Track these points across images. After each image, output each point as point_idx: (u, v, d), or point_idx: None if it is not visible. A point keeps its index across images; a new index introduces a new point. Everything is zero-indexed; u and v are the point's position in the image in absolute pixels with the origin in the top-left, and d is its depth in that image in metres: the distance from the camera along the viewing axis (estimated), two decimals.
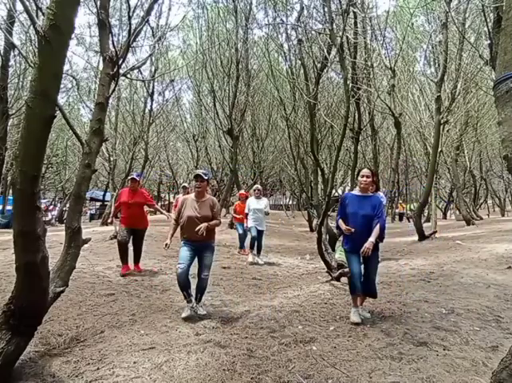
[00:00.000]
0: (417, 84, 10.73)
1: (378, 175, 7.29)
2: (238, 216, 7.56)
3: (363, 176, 3.24)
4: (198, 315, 3.33)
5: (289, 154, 11.72)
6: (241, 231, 7.44)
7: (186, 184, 8.21)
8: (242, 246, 7.53)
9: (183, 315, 3.28)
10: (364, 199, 3.24)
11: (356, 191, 3.37)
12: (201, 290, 3.45)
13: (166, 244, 3.42)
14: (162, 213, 6.20)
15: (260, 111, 14.53)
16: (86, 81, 13.57)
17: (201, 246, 3.42)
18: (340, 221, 3.31)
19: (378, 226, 3.13)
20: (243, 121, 11.36)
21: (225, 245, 8.37)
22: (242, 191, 8.36)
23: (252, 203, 6.63)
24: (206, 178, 3.48)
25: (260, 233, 6.60)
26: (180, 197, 7.22)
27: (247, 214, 6.69)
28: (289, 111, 9.34)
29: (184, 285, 3.33)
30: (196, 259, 3.47)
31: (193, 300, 3.39)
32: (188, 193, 7.51)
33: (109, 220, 5.92)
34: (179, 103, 16.26)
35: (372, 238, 3.06)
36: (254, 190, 6.86)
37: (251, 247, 6.54)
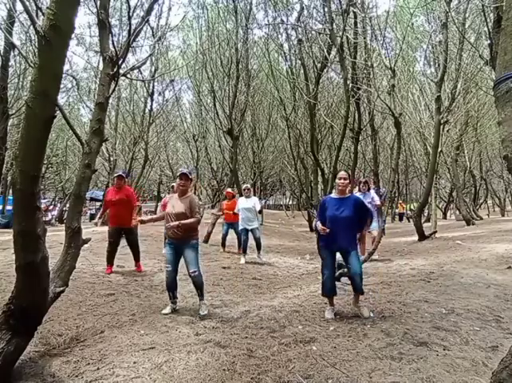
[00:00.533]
0: (417, 84, 10.73)
1: (378, 175, 7.28)
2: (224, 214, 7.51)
3: (340, 179, 3.39)
4: (199, 315, 3.37)
5: (289, 154, 11.73)
6: (224, 232, 7.44)
7: (174, 184, 8.13)
8: (223, 244, 7.54)
9: (163, 311, 3.46)
10: (343, 201, 3.37)
11: (334, 195, 3.51)
12: (197, 286, 3.51)
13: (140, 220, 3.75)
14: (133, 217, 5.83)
15: (260, 111, 14.54)
16: (86, 81, 13.58)
17: (181, 243, 3.48)
18: (318, 222, 3.44)
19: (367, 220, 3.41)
20: (243, 121, 11.36)
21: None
22: (229, 190, 8.13)
23: (241, 202, 6.63)
24: (190, 177, 3.60)
25: (253, 231, 6.54)
26: (168, 196, 7.28)
27: (236, 214, 6.66)
28: (289, 111, 9.35)
29: (170, 286, 3.53)
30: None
31: (177, 301, 3.60)
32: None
33: (96, 220, 5.89)
34: (179, 103, 16.27)
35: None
36: (244, 189, 6.86)
37: (243, 250, 6.52)
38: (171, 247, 3.52)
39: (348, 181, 3.42)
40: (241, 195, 7.46)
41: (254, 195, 7.23)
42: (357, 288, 3.36)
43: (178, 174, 3.61)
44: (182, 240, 3.46)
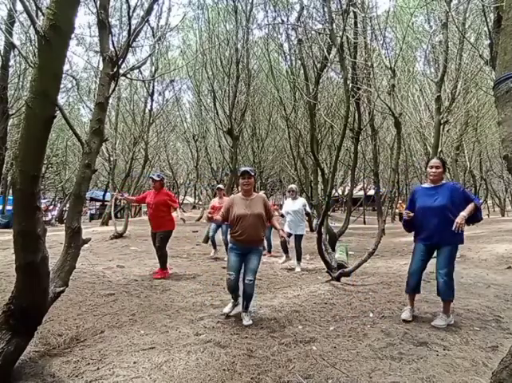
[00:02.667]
0: (417, 84, 10.73)
1: (378, 175, 7.27)
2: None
3: (432, 167, 3.12)
4: (243, 324, 3.15)
5: (289, 154, 11.73)
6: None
7: (221, 186, 7.69)
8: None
9: (224, 310, 3.42)
10: (437, 189, 3.09)
11: (426, 184, 3.24)
12: (246, 296, 3.27)
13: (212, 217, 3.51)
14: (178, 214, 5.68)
15: (260, 111, 14.54)
16: (86, 81, 13.59)
17: (249, 249, 3.30)
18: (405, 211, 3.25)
19: (472, 203, 2.94)
20: (243, 121, 11.36)
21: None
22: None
23: (287, 204, 6.22)
24: (253, 174, 3.35)
25: (298, 237, 6.01)
26: (216, 200, 7.09)
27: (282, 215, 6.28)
28: (289, 111, 9.35)
29: (233, 289, 3.35)
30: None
31: (239, 301, 3.42)
32: (224, 194, 7.21)
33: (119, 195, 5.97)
34: (179, 103, 16.27)
35: (464, 213, 2.87)
36: (289, 190, 6.38)
37: (299, 258, 5.99)
38: (236, 254, 3.27)
39: (441, 170, 3.10)
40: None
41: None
42: (440, 292, 3.02)
43: (239, 173, 3.36)
44: (250, 246, 3.28)
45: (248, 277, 3.25)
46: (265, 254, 7.05)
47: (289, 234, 5.89)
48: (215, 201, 7.11)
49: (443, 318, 3.02)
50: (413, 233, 3.34)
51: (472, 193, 3.39)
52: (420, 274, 3.18)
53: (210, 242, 7.34)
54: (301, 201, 6.16)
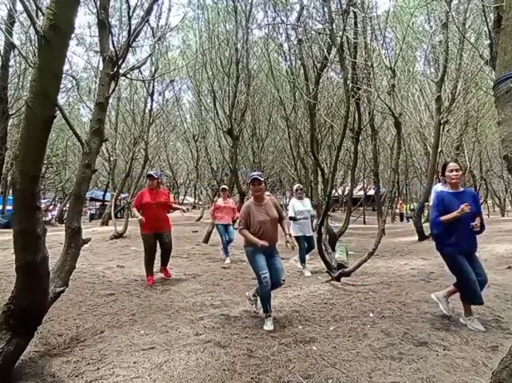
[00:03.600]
0: (417, 84, 10.73)
1: (378, 175, 7.27)
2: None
3: (452, 170, 3.00)
4: (265, 329, 3.08)
5: (289, 154, 11.72)
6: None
7: (225, 186, 7.44)
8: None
9: (266, 328, 3.06)
10: (459, 196, 2.97)
11: (446, 188, 3.11)
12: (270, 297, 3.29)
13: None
14: (176, 208, 5.48)
15: (260, 111, 14.52)
16: (86, 81, 13.58)
17: (270, 250, 3.34)
18: (441, 217, 2.97)
19: (479, 218, 2.92)
20: (243, 121, 11.35)
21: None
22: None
23: (296, 205, 5.80)
24: (262, 179, 3.34)
25: (310, 239, 5.78)
26: (220, 201, 6.96)
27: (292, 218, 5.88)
28: (289, 111, 9.34)
29: (269, 297, 3.22)
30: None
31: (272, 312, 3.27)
32: (228, 196, 7.06)
33: (140, 217, 4.84)
34: (179, 103, 16.25)
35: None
36: (296, 190, 5.97)
37: (302, 260, 5.75)
38: (261, 255, 3.26)
39: (461, 172, 3.00)
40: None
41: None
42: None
43: (249, 180, 3.37)
44: (272, 248, 3.34)
45: (282, 277, 3.35)
46: None
47: (304, 238, 5.67)
48: (219, 202, 6.95)
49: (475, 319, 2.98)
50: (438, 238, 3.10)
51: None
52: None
53: (222, 248, 6.87)
54: (308, 200, 5.98)
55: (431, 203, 3.85)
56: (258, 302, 3.43)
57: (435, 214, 3.03)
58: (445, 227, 2.97)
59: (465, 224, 2.88)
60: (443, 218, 2.96)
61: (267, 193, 3.57)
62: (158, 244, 4.91)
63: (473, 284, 2.85)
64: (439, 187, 4.45)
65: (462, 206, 2.84)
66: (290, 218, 5.70)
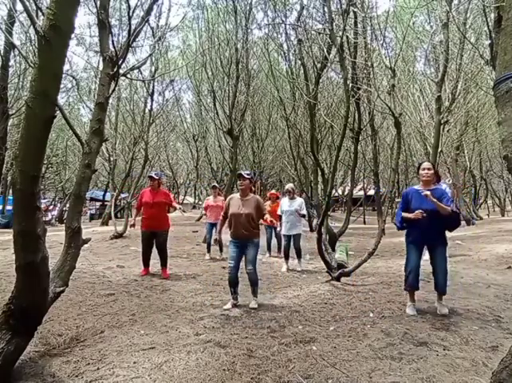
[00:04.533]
0: (417, 84, 10.72)
1: (378, 175, 7.27)
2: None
3: (424, 169, 3.31)
4: (249, 308, 3.60)
5: (289, 154, 11.72)
6: (268, 235, 7.20)
7: (216, 184, 7.71)
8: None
9: (225, 307, 3.60)
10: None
11: (418, 186, 3.42)
12: (252, 283, 3.75)
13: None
14: (176, 207, 5.66)
15: (260, 111, 14.54)
16: (86, 81, 13.58)
17: (246, 242, 3.66)
18: (403, 214, 3.36)
19: (446, 206, 3.17)
20: (243, 121, 11.35)
21: (225, 245, 8.37)
22: (273, 191, 7.73)
23: (284, 204, 6.06)
24: (248, 177, 3.73)
25: (295, 237, 6.01)
26: (210, 198, 7.15)
27: (280, 216, 6.11)
28: (289, 111, 9.35)
29: (232, 282, 3.68)
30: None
31: (238, 297, 3.74)
32: (218, 193, 7.26)
33: (132, 222, 5.31)
34: (179, 103, 16.26)
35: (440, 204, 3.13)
36: (289, 190, 6.20)
37: (286, 257, 6.02)
38: (235, 245, 3.68)
39: (432, 171, 3.30)
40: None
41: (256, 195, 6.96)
42: (439, 287, 3.30)
43: (236, 175, 3.84)
44: (246, 240, 3.65)
45: (248, 267, 3.68)
46: (263, 254, 7.03)
47: (287, 237, 6.00)
48: (210, 200, 7.13)
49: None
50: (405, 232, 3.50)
51: (456, 201, 3.52)
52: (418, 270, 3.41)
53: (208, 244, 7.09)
54: (298, 201, 6.08)
55: None
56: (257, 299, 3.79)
57: (399, 209, 3.55)
58: (405, 222, 3.40)
59: (422, 223, 3.19)
60: (403, 214, 3.38)
61: (255, 195, 3.86)
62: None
63: (408, 271, 3.36)
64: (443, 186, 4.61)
65: (416, 212, 3.21)
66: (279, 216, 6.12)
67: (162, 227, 5.14)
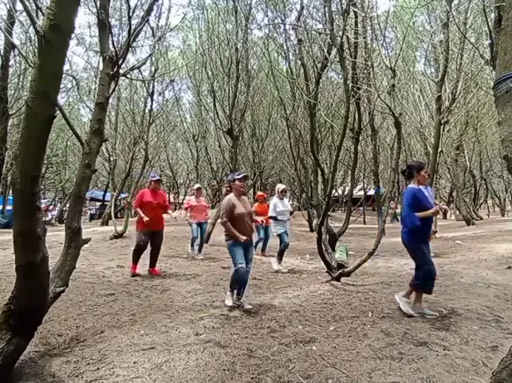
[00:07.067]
0: (417, 84, 10.72)
1: (378, 175, 7.26)
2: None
3: (426, 172, 3.51)
4: (243, 309, 3.61)
5: (289, 154, 11.71)
6: (263, 235, 7.36)
7: (199, 185, 7.70)
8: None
9: (226, 302, 3.71)
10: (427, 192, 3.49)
11: (416, 185, 3.49)
12: (244, 283, 3.78)
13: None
14: (169, 214, 5.75)
15: (260, 111, 14.52)
16: (86, 81, 13.57)
17: (249, 242, 3.74)
18: (420, 213, 3.32)
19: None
20: (243, 121, 11.34)
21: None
22: (260, 193, 7.91)
23: (279, 204, 6.18)
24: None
25: (285, 234, 6.17)
26: (192, 199, 7.15)
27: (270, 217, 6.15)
28: (289, 111, 9.33)
29: (245, 282, 3.74)
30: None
31: (241, 298, 3.75)
32: (201, 195, 7.28)
33: (146, 219, 5.11)
34: (179, 103, 16.26)
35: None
36: (282, 191, 6.37)
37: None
38: (241, 247, 3.65)
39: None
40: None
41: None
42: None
43: (240, 177, 3.80)
44: (250, 239, 3.74)
45: (248, 266, 3.74)
46: (258, 254, 7.09)
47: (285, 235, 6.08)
48: (192, 200, 7.15)
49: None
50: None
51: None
52: None
53: (191, 245, 7.14)
54: (287, 200, 6.41)
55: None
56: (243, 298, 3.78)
57: (409, 209, 3.48)
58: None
59: (429, 221, 3.40)
60: (422, 213, 3.33)
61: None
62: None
63: (431, 272, 3.32)
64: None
65: (435, 207, 3.35)
66: (271, 217, 6.13)
67: (161, 227, 5.36)
